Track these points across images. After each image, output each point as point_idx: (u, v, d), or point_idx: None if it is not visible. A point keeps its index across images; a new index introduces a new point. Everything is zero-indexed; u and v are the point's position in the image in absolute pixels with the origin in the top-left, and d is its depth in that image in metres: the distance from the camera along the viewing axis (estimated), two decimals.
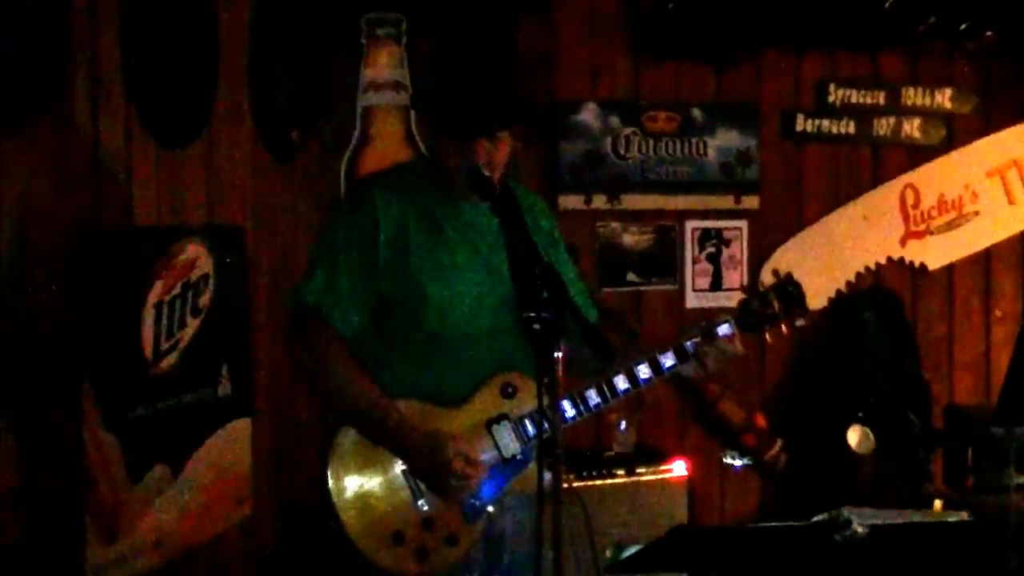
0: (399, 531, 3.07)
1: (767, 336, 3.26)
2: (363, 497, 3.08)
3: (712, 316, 3.24)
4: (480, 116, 3.07)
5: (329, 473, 3.08)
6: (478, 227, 3.18)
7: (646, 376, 3.19)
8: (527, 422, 3.14)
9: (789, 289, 3.25)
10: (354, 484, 3.08)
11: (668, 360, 3.20)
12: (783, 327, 3.25)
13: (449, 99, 3.16)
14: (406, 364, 3.15)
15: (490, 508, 3.13)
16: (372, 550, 3.06)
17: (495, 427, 3.14)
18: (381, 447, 3.10)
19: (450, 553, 3.11)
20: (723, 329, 3.20)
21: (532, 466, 3.10)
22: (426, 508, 3.08)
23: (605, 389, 3.18)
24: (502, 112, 3.12)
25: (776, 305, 3.23)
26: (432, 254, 3.12)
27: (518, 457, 3.14)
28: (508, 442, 3.14)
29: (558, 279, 2.75)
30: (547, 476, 2.67)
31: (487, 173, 3.04)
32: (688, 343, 3.20)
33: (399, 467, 3.09)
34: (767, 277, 3.35)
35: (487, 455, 3.12)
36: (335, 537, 3.07)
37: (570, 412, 3.14)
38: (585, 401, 3.17)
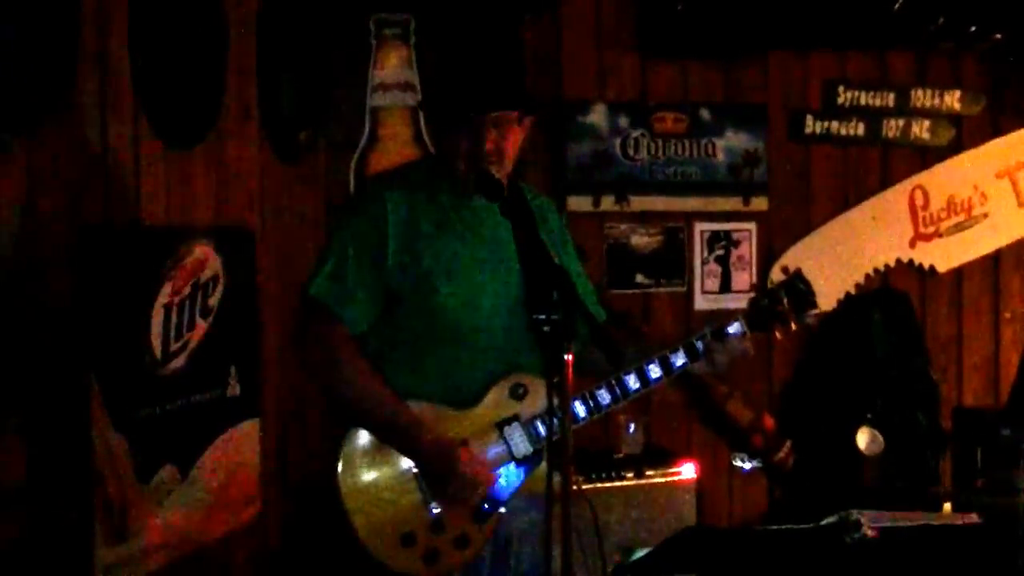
0: (410, 533, 3.07)
1: (776, 334, 3.25)
2: (373, 499, 3.07)
3: (721, 318, 3.24)
4: (484, 94, 3.06)
5: (339, 475, 3.07)
6: (489, 226, 3.17)
7: (657, 375, 3.19)
8: (538, 423, 3.13)
9: (799, 286, 3.23)
10: (364, 486, 3.07)
11: (679, 359, 3.19)
12: (792, 325, 3.24)
13: (453, 82, 3.15)
14: (415, 364, 3.15)
15: (501, 510, 3.13)
16: (382, 552, 3.05)
17: (506, 428, 3.13)
18: (391, 448, 3.10)
19: (460, 555, 3.11)
20: (733, 328, 3.20)
21: (541, 467, 3.10)
22: (437, 510, 3.08)
23: (616, 389, 3.17)
24: (506, 90, 3.11)
25: (786, 302, 3.22)
26: (443, 253, 3.11)
27: (529, 458, 3.13)
28: (519, 444, 3.13)
29: (568, 280, 2.74)
30: (556, 477, 2.67)
31: (496, 172, 3.04)
32: (698, 342, 3.20)
33: (410, 469, 3.09)
34: (777, 276, 3.34)
35: (498, 457, 3.12)
36: (345, 539, 3.06)
37: (581, 412, 3.13)
38: (596, 401, 3.16)
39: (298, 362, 3.38)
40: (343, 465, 3.08)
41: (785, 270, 3.29)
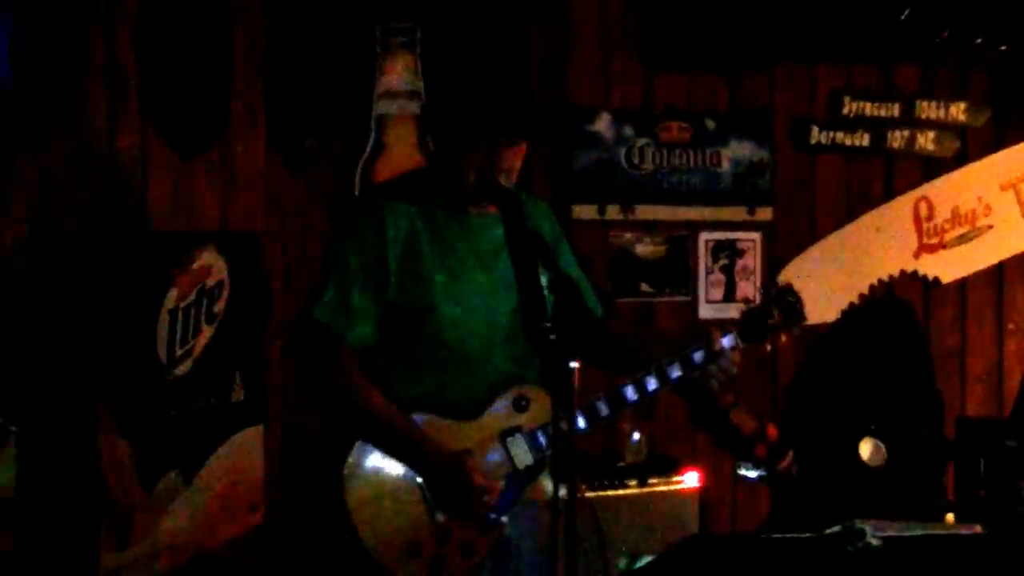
0: (416, 544, 3.07)
1: (767, 346, 3.30)
2: (379, 510, 3.07)
3: (723, 326, 3.28)
4: (511, 118, 3.08)
5: (344, 487, 3.07)
6: (485, 237, 3.18)
7: (654, 387, 3.22)
8: (539, 434, 3.14)
9: (789, 299, 3.29)
10: (370, 497, 3.07)
11: (675, 371, 3.23)
12: (783, 337, 3.29)
13: (475, 100, 3.14)
14: (418, 377, 3.15)
15: (503, 519, 3.13)
16: (389, 562, 3.05)
17: (509, 439, 3.14)
18: (395, 459, 3.10)
19: (465, 563, 3.11)
20: (727, 340, 3.24)
21: (543, 475, 3.12)
22: (442, 520, 3.09)
23: (615, 400, 3.19)
24: (527, 115, 3.13)
25: (776, 315, 3.27)
26: (442, 266, 3.12)
27: (531, 468, 3.14)
28: (522, 454, 3.14)
29: (575, 289, 2.75)
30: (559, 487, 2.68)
31: (505, 183, 3.06)
32: (696, 355, 3.23)
33: (415, 479, 3.09)
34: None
35: (501, 467, 3.13)
36: (351, 550, 3.06)
37: (581, 423, 3.14)
38: (595, 412, 3.18)
39: (305, 381, 3.38)
40: (348, 477, 3.08)
41: (776, 283, 3.36)
